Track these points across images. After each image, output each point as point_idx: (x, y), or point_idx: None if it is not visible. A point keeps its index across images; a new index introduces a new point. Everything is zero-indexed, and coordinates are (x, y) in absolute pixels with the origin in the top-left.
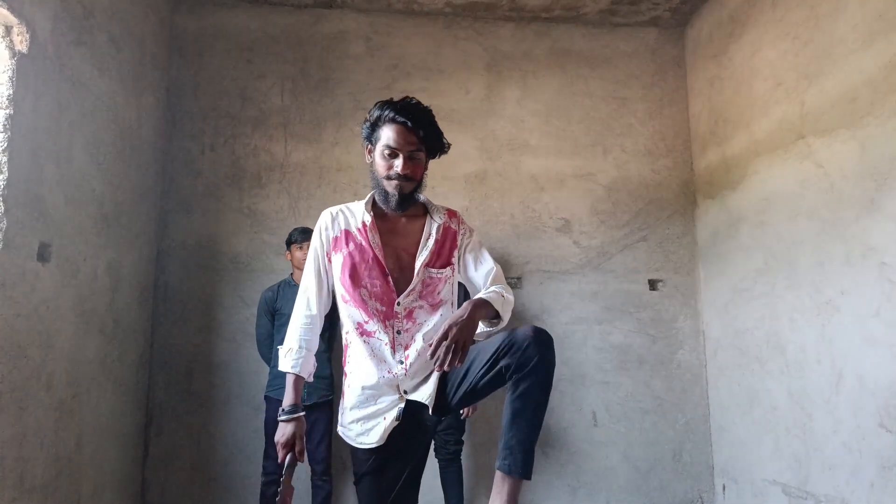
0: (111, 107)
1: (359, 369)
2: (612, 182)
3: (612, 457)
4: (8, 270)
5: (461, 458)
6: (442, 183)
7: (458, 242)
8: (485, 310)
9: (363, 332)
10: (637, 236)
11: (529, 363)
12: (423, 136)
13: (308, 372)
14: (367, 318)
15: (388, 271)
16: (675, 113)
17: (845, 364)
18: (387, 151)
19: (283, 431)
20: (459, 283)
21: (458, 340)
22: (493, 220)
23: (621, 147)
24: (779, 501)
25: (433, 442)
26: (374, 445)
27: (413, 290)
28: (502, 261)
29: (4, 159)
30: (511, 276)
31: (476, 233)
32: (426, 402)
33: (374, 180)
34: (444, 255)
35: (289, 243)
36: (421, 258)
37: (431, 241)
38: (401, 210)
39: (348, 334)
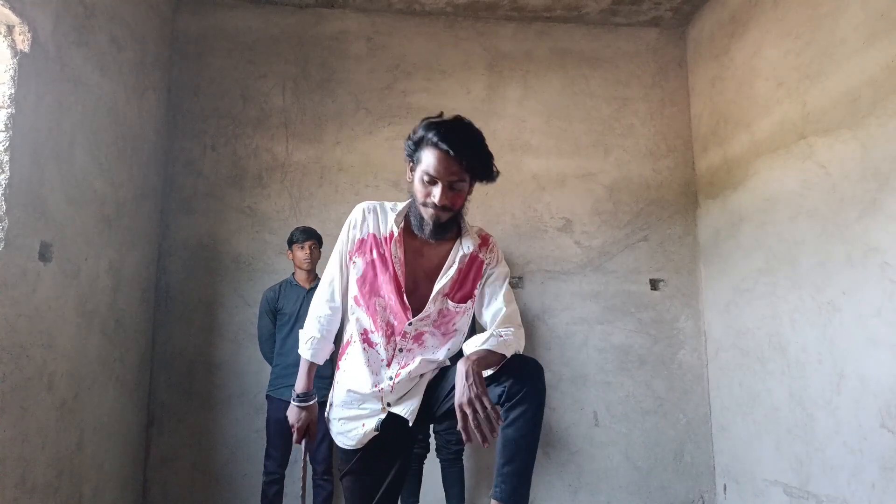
0: (112, 107)
1: (351, 372)
2: (613, 182)
3: (613, 457)
4: (9, 270)
5: (463, 458)
6: None
7: (483, 273)
8: (487, 360)
9: (366, 340)
10: (638, 236)
11: (520, 392)
12: (466, 166)
13: (323, 359)
14: (374, 329)
15: (405, 290)
16: (676, 113)
17: (847, 364)
18: (426, 178)
19: (299, 416)
20: None
21: (478, 411)
22: (494, 220)
23: (622, 147)
24: (780, 502)
25: (435, 442)
26: (350, 448)
27: (427, 317)
28: None
29: (6, 159)
30: (512, 275)
31: (502, 263)
32: (406, 417)
33: (412, 198)
34: (466, 288)
35: (290, 243)
36: (439, 285)
37: (454, 270)
38: (434, 239)
39: (352, 335)
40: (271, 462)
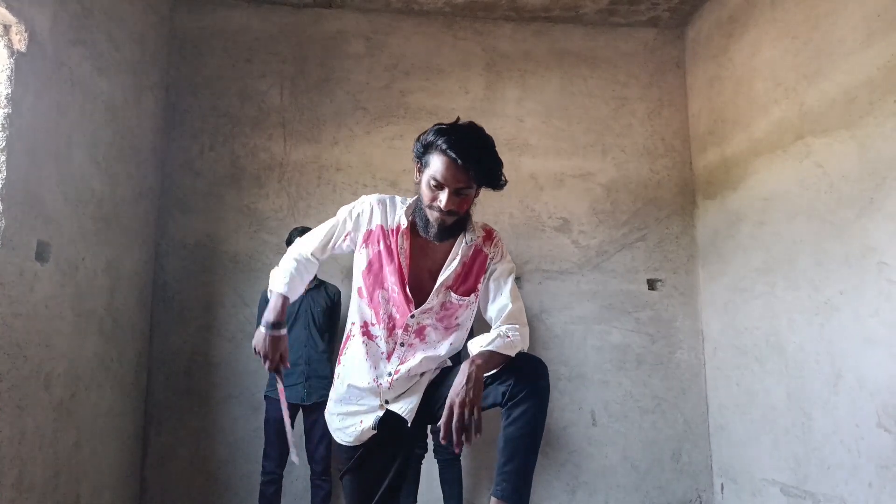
0: (110, 106)
1: (351, 366)
2: (611, 182)
3: (611, 456)
4: (6, 270)
5: (461, 458)
6: None
7: (487, 267)
8: (492, 362)
9: (366, 333)
10: (636, 236)
11: (523, 391)
12: (473, 175)
13: (296, 295)
14: (375, 322)
15: (409, 283)
16: (674, 113)
17: (844, 364)
18: (433, 183)
19: (266, 344)
20: None
21: (465, 416)
22: (492, 220)
23: (620, 147)
24: (777, 501)
25: (433, 442)
26: (348, 444)
27: (430, 308)
28: None
29: (3, 158)
30: None
31: (507, 258)
32: (405, 416)
33: (418, 198)
34: (469, 281)
35: (289, 243)
36: (442, 278)
37: (456, 262)
38: (439, 241)
39: (353, 326)
40: (269, 462)
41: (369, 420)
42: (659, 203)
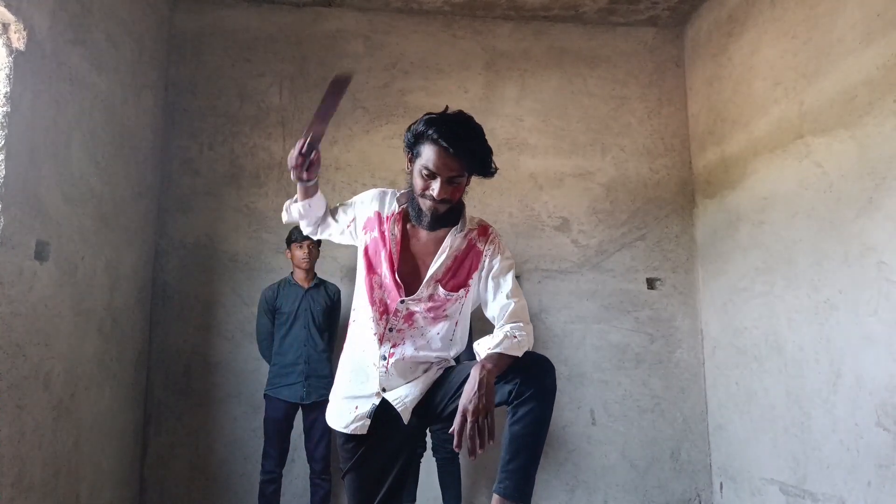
0: (109, 105)
1: (350, 348)
2: (610, 181)
3: (610, 455)
4: (6, 269)
5: (459, 456)
6: None
7: (481, 264)
8: (501, 365)
9: (362, 317)
10: (635, 235)
11: (529, 390)
12: (465, 163)
13: (317, 203)
14: (369, 306)
15: (399, 269)
16: (673, 112)
17: (843, 363)
18: (425, 172)
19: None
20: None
21: (478, 423)
22: (492, 219)
23: (620, 146)
24: (776, 500)
25: (431, 441)
26: (343, 431)
27: (419, 298)
28: None
29: (2, 157)
30: None
31: (505, 255)
32: (401, 408)
33: (410, 187)
34: (460, 276)
35: (289, 242)
36: (431, 270)
37: (446, 255)
38: (431, 230)
39: (354, 311)
40: (269, 461)
41: (365, 406)
42: (658, 202)
